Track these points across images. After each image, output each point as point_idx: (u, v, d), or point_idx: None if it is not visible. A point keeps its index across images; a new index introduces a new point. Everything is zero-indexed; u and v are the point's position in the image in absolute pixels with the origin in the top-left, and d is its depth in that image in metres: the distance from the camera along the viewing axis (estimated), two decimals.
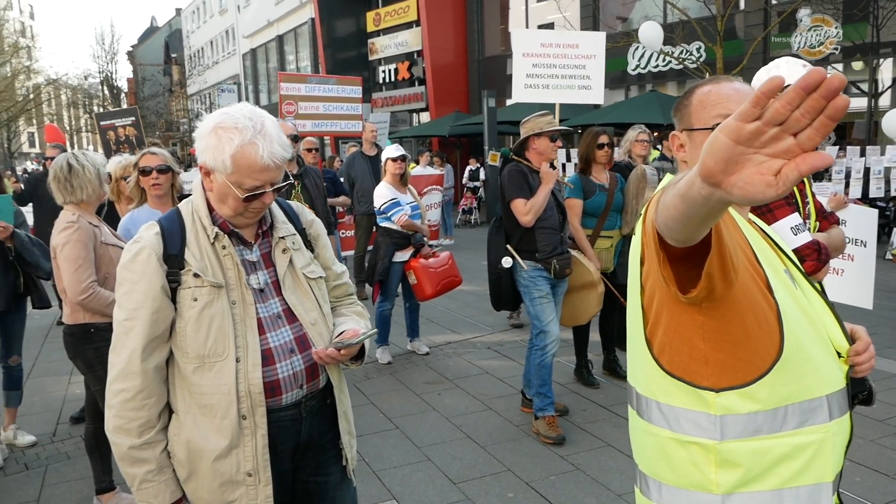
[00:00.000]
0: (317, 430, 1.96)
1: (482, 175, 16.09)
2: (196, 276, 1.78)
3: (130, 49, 64.19)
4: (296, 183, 4.71)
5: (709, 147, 0.88)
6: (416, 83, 23.75)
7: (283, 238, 1.93)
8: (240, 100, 39.54)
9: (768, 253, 1.49)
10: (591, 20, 18.88)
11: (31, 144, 71.80)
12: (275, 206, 1.97)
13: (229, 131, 1.72)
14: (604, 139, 4.79)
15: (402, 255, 5.73)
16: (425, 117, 24.10)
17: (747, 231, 1.48)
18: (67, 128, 70.41)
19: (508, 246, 4.34)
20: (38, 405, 5.21)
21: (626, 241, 5.08)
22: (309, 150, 6.57)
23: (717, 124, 1.00)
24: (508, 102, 20.67)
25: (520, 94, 7.00)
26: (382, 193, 5.69)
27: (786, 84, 0.80)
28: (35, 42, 63.67)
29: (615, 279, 4.98)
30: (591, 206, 4.82)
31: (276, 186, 1.79)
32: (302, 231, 2.01)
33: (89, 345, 3.31)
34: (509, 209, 4.29)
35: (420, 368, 5.73)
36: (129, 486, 1.80)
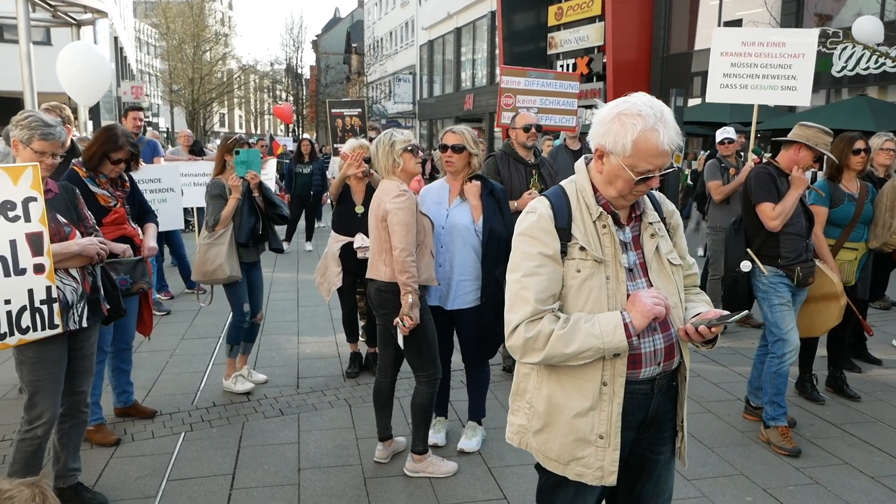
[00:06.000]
0: (662, 409, 2.07)
1: None
2: (582, 249, 1.92)
3: (315, 38, 68.41)
4: (532, 171, 4.89)
5: None
6: (594, 78, 23.48)
7: (651, 223, 2.04)
8: (414, 89, 41.11)
9: None
10: (792, 17, 17.73)
11: (221, 124, 78.57)
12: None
13: (632, 117, 1.84)
14: (860, 144, 4.54)
15: None
16: None
17: None
18: (253, 110, 76.45)
19: (749, 250, 4.27)
20: (276, 359, 5.81)
21: (870, 255, 4.82)
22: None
23: None
24: (691, 102, 19.90)
25: (714, 93, 6.67)
26: None
27: None
28: (233, 31, 69.43)
29: (854, 293, 4.75)
30: (837, 216, 4.61)
31: (662, 172, 1.89)
32: (663, 220, 2.10)
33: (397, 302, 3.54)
34: (753, 212, 4.22)
35: None
36: (598, 348, 1.85)
